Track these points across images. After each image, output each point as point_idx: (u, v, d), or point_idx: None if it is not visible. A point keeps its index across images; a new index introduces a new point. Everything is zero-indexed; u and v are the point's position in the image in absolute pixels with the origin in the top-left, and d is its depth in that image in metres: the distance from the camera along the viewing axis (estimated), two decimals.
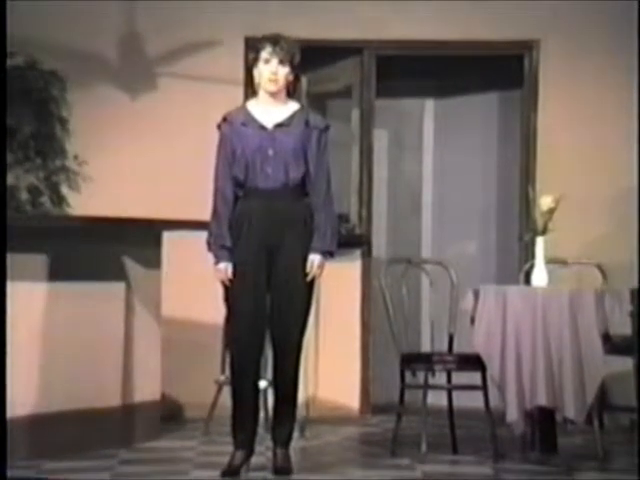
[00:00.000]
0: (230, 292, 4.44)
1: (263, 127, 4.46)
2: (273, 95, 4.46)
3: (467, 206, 6.90)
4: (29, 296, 4.82)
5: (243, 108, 4.52)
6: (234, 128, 4.46)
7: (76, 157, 6.15)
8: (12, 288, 4.68)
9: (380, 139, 6.78)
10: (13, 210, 5.86)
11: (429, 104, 7.02)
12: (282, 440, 4.48)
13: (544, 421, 5.08)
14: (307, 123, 4.46)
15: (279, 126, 4.46)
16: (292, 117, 4.47)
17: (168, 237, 5.45)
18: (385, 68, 6.38)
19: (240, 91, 6.07)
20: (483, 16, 6.29)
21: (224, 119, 4.49)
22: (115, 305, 5.14)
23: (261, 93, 4.50)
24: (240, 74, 6.13)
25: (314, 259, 4.43)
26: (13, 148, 5.95)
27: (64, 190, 6.11)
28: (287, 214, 4.43)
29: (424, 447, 4.99)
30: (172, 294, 5.71)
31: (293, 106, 4.51)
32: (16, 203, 5.93)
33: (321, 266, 4.44)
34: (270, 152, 4.43)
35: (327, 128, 4.49)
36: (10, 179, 5.93)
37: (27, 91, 6.00)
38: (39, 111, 6.02)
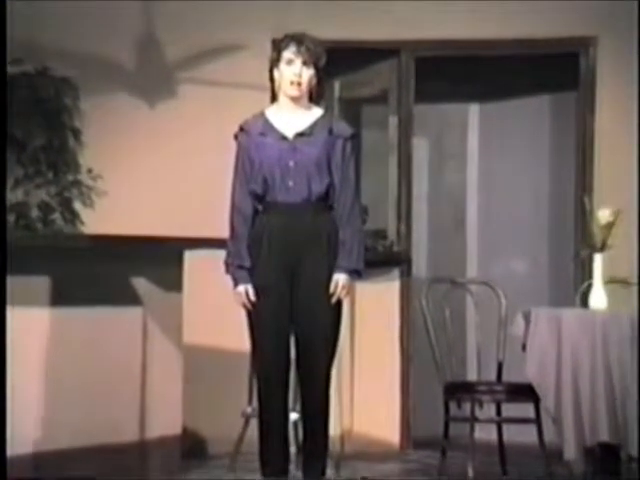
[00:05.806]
0: (252, 316, 4.32)
1: (283, 137, 4.34)
2: (294, 100, 4.33)
3: (516, 220, 6.80)
4: (38, 322, 4.75)
5: (262, 116, 4.40)
6: (252, 138, 4.35)
7: (90, 171, 6.07)
8: (19, 314, 4.59)
9: (420, 148, 6.70)
10: (23, 228, 5.84)
11: (473, 109, 6.92)
12: (314, 477, 4.31)
13: (607, 459, 5.00)
14: (331, 131, 4.34)
15: (300, 135, 4.33)
16: (314, 125, 4.34)
17: (190, 257, 5.31)
18: (424, 70, 6.26)
19: (267, 98, 5.92)
20: (532, 11, 6.10)
21: (241, 128, 4.39)
22: (131, 331, 5.06)
23: (281, 98, 4.38)
24: (267, 80, 5.95)
25: (339, 278, 4.28)
26: (23, 162, 5.96)
27: (77, 206, 6.04)
28: (310, 230, 4.30)
29: None
30: (194, 318, 5.61)
31: (316, 112, 4.37)
32: (26, 221, 5.92)
33: (347, 286, 4.29)
34: (291, 164, 4.30)
35: (353, 136, 4.37)
36: (20, 195, 5.97)
37: (37, 100, 5.93)
38: (50, 122, 5.94)
